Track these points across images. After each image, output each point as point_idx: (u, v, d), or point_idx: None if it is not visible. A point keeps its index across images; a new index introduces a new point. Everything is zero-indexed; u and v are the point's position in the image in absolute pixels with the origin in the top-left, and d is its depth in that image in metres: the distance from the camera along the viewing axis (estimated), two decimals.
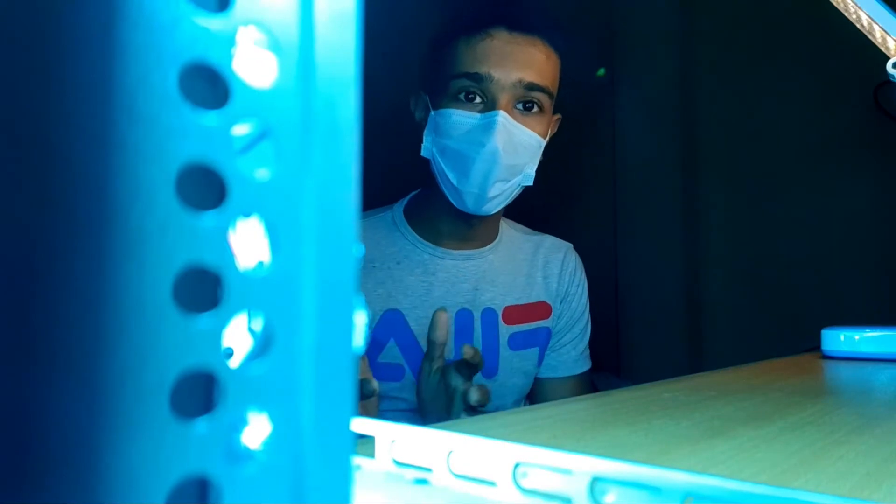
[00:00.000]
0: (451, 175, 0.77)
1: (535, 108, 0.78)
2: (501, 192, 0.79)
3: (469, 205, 0.78)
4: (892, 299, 1.10)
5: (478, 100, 0.76)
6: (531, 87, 0.76)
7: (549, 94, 0.79)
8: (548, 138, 0.81)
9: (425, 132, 0.79)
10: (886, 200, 1.14)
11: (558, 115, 0.85)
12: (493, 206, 0.80)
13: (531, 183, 0.80)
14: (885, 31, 0.45)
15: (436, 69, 0.80)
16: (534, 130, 0.77)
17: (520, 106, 0.77)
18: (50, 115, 0.11)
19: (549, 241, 0.95)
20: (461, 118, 0.76)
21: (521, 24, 0.77)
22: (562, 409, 0.44)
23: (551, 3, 0.89)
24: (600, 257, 1.28)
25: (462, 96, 0.76)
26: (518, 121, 0.76)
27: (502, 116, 0.74)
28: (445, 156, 0.77)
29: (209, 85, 0.12)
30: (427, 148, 0.79)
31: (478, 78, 0.75)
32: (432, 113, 0.78)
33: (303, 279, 0.13)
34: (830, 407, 0.43)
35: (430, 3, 1.04)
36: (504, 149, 0.74)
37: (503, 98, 0.75)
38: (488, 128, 0.74)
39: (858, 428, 0.36)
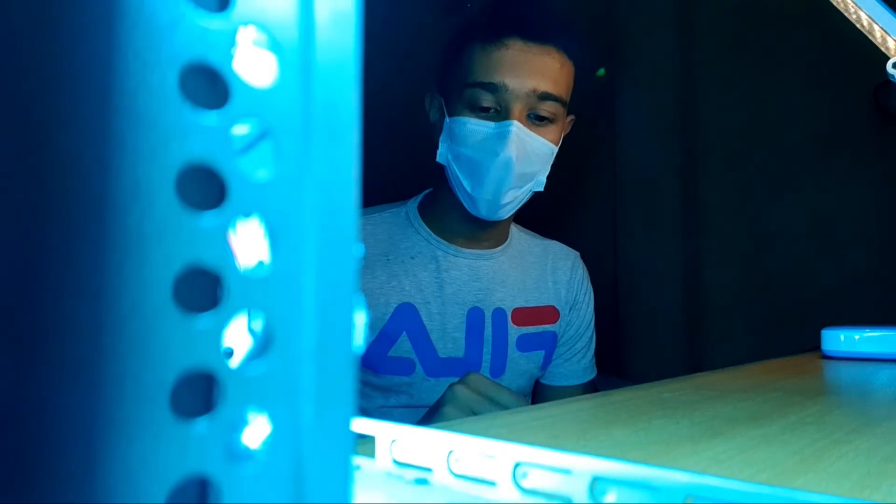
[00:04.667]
0: (465, 182, 0.79)
1: (546, 120, 0.79)
2: (514, 199, 0.80)
3: (483, 211, 0.80)
4: (892, 299, 1.10)
5: (492, 109, 0.77)
6: (545, 96, 0.77)
7: (563, 103, 0.80)
8: (560, 142, 0.82)
9: (441, 138, 0.80)
10: (886, 200, 1.14)
11: (572, 117, 0.85)
12: (506, 212, 0.81)
13: (542, 188, 0.81)
14: (885, 31, 0.45)
15: (450, 73, 0.81)
16: (546, 138, 0.78)
17: (533, 116, 0.78)
18: (50, 115, 0.11)
19: (557, 247, 0.96)
20: (475, 127, 0.77)
21: (535, 33, 0.78)
22: (562, 409, 0.44)
23: (557, 4, 0.89)
24: (600, 257, 1.28)
25: (476, 105, 0.77)
26: (531, 129, 0.77)
27: (516, 126, 0.75)
28: (460, 163, 0.78)
29: (209, 85, 0.12)
30: (443, 154, 0.80)
31: (492, 88, 0.76)
32: (447, 120, 0.79)
33: (303, 279, 0.13)
34: (830, 407, 0.43)
35: (445, 6, 1.04)
36: (517, 158, 0.76)
37: (516, 107, 0.76)
38: (502, 137, 0.75)
39: (858, 428, 0.36)
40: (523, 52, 0.77)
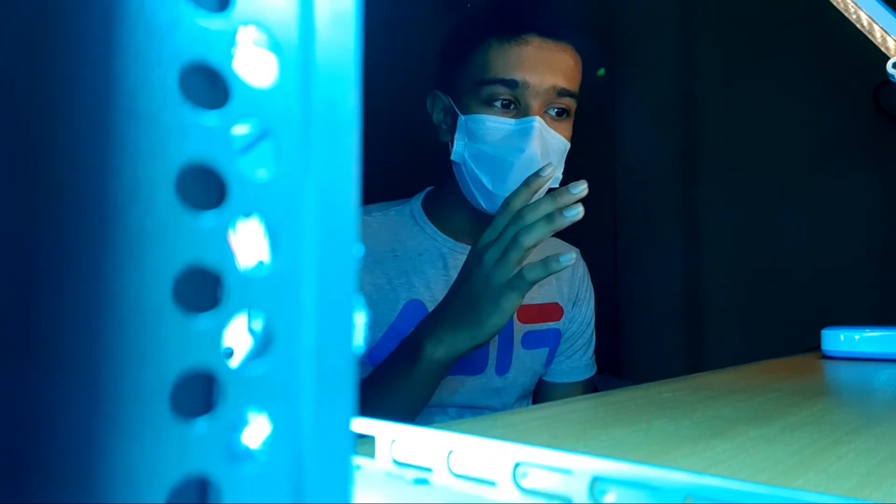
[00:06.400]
0: (485, 179, 0.78)
1: (565, 115, 0.79)
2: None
3: None
4: (892, 299, 1.10)
5: (511, 105, 0.77)
6: (563, 92, 0.77)
7: (577, 99, 0.80)
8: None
9: (456, 137, 0.80)
10: (886, 201, 1.14)
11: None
12: None
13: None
14: (885, 31, 0.45)
15: (461, 71, 0.80)
16: (562, 135, 0.79)
17: (551, 112, 0.78)
18: (50, 114, 0.11)
19: (558, 244, 0.96)
20: (496, 124, 0.76)
21: (552, 30, 0.78)
22: (562, 409, 0.44)
23: (565, 3, 0.89)
24: (600, 257, 1.28)
25: (495, 102, 0.76)
26: (549, 125, 0.77)
27: (538, 122, 0.75)
28: (479, 160, 0.78)
29: (209, 85, 0.12)
30: (458, 153, 0.80)
31: (512, 84, 0.76)
32: (462, 118, 0.78)
33: (303, 279, 0.13)
34: (830, 407, 0.43)
35: (444, 5, 1.04)
36: (541, 154, 0.76)
37: (536, 104, 0.76)
38: (525, 133, 0.75)
39: (858, 428, 0.36)
40: (542, 48, 0.77)
